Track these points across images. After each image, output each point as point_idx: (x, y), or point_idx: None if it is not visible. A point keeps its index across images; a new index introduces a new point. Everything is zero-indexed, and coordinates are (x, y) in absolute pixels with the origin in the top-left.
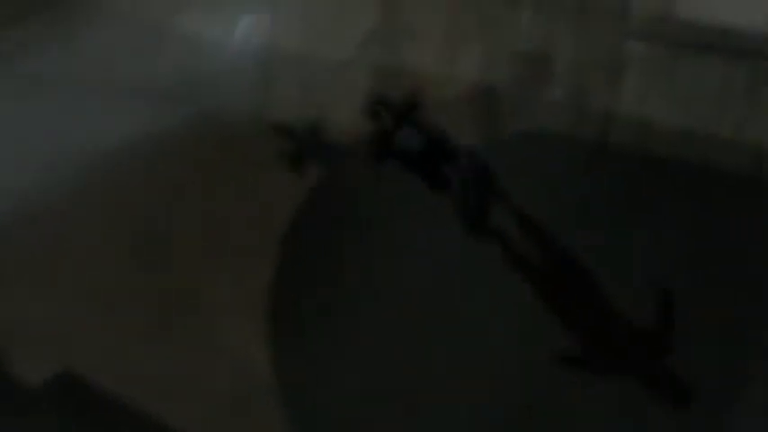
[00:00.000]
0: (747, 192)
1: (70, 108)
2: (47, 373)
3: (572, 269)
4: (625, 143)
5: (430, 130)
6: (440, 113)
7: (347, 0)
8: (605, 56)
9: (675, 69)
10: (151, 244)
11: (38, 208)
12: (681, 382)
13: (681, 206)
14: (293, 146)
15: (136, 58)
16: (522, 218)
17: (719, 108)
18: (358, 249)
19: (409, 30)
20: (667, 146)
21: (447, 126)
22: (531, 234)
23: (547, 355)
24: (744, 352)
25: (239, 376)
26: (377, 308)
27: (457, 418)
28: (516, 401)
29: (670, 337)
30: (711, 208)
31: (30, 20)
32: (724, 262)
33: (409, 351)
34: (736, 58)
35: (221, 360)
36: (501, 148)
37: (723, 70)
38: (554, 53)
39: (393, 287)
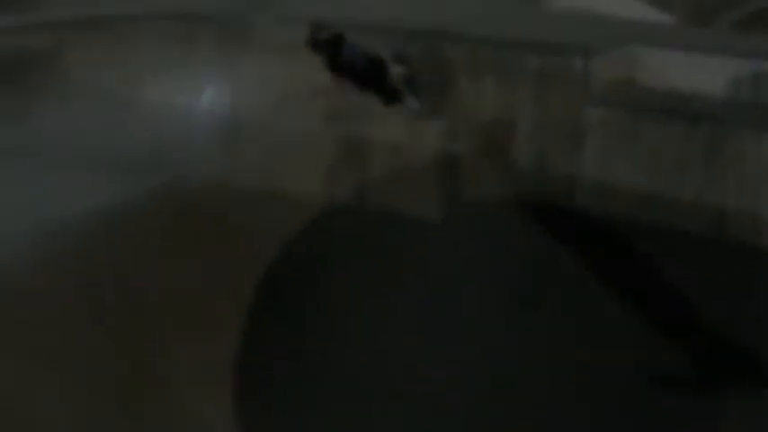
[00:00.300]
0: (709, 252)
1: (27, 181)
2: None
3: None
4: (588, 206)
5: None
6: (404, 182)
7: (308, 74)
8: (567, 121)
9: (636, 133)
10: (113, 315)
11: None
12: None
13: (643, 267)
14: None
15: (99, 129)
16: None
17: (680, 171)
18: (327, 319)
19: (373, 100)
20: (630, 208)
21: (411, 194)
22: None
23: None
24: None
25: None
26: (347, 381)
27: None
28: None
29: None
30: (674, 268)
31: None
32: None
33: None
34: (695, 122)
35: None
36: (466, 215)
37: (683, 134)
38: (516, 120)
39: (365, 358)
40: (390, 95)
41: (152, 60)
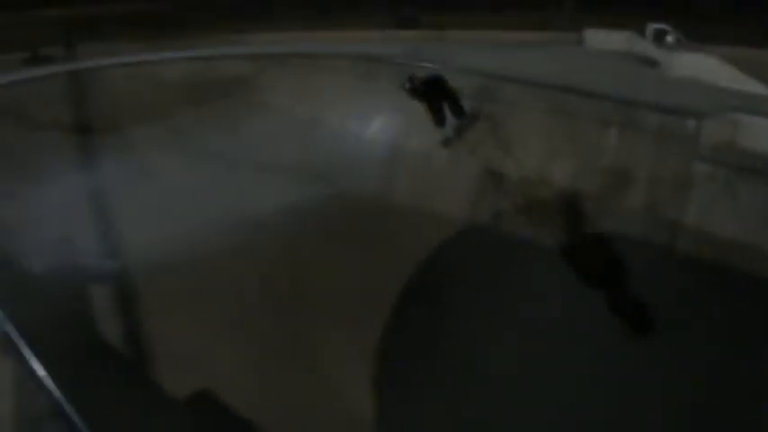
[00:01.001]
0: None
1: (230, 180)
2: (187, 391)
3: None
4: (690, 250)
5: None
6: (533, 212)
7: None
8: (676, 173)
9: (736, 189)
10: (284, 296)
11: (195, 257)
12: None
13: (732, 309)
14: None
15: (289, 144)
16: None
17: None
18: (458, 322)
19: (510, 140)
20: (726, 255)
21: (538, 223)
22: None
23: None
24: None
25: (344, 416)
26: (473, 376)
27: None
28: None
29: None
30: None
31: (207, 105)
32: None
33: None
34: None
35: (331, 399)
36: (582, 247)
37: None
38: (633, 167)
39: (489, 359)
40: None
41: (334, 91)
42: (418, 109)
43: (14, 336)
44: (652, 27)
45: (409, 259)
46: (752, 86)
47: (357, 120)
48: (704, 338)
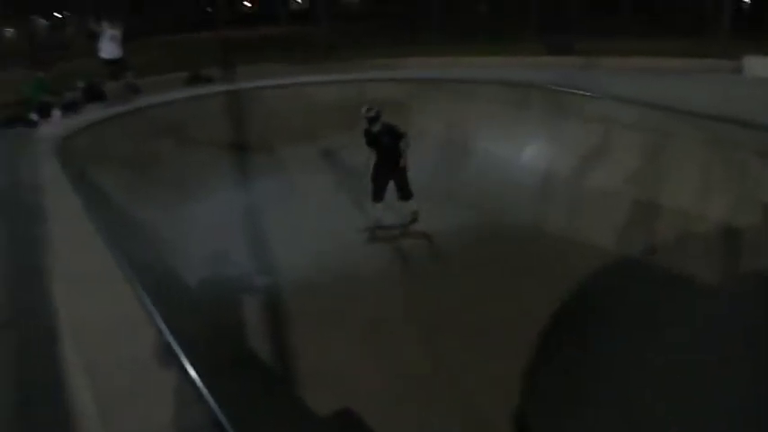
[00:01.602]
0: None
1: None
2: (329, 410)
3: None
4: None
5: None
6: (689, 246)
7: (612, 142)
8: None
9: None
10: (427, 319)
11: (341, 276)
12: None
13: None
14: None
15: (440, 169)
16: None
17: None
18: (605, 349)
19: (666, 171)
20: None
21: (692, 259)
22: None
23: None
24: None
25: None
26: (616, 406)
27: None
28: None
29: None
30: None
31: (356, 129)
32: None
33: None
34: None
35: (472, 428)
36: (738, 284)
37: None
38: None
39: (631, 389)
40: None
41: (486, 117)
42: (571, 137)
43: (175, 346)
44: None
45: (558, 290)
46: None
47: (509, 146)
48: None
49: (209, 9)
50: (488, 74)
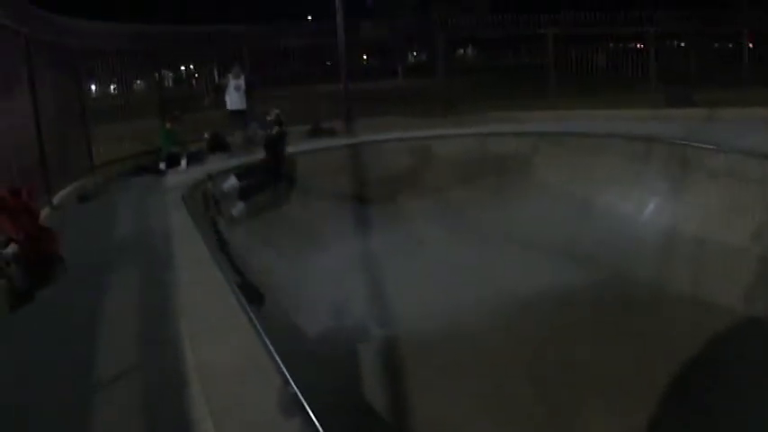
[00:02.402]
0: None
1: (499, 256)
2: None
3: None
4: None
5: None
6: None
7: (741, 196)
8: None
9: None
10: (548, 376)
11: (460, 331)
12: None
13: None
14: None
15: (561, 224)
16: None
17: None
18: (736, 423)
19: None
20: None
21: None
22: None
23: None
24: None
25: None
26: None
27: None
28: None
29: None
30: None
31: (480, 180)
32: None
33: None
34: None
35: None
36: None
37: None
38: None
39: None
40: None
41: (607, 171)
42: (695, 192)
43: (300, 396)
44: None
45: (680, 350)
46: None
47: (631, 201)
48: None
49: (329, 63)
50: (609, 127)
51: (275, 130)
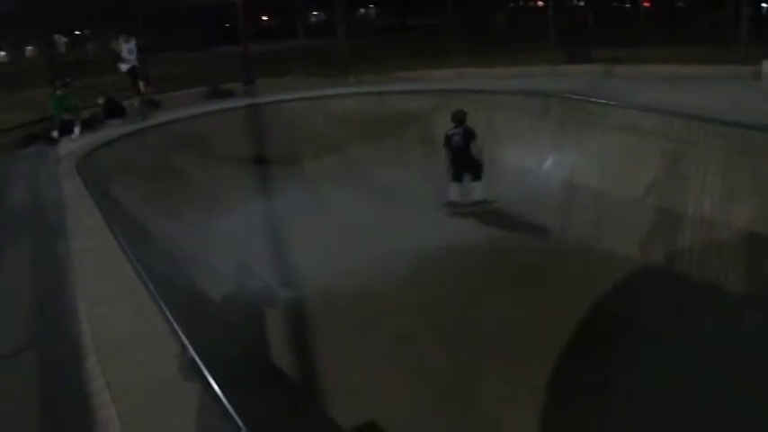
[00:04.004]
0: None
1: (403, 212)
2: (353, 422)
3: None
4: None
5: None
6: (712, 254)
7: (634, 151)
8: None
9: None
10: (450, 329)
11: (364, 288)
12: None
13: None
14: None
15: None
16: None
17: None
18: (624, 357)
19: (688, 179)
20: None
21: (713, 266)
22: None
23: None
24: None
25: None
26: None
27: None
28: None
29: None
30: None
31: (381, 139)
32: None
33: None
34: None
35: None
36: (764, 290)
37: None
38: None
39: (650, 397)
40: None
41: (509, 127)
42: (593, 146)
43: (200, 362)
44: None
45: (581, 300)
46: None
47: (531, 156)
48: None
49: (227, 24)
50: (509, 84)
51: None
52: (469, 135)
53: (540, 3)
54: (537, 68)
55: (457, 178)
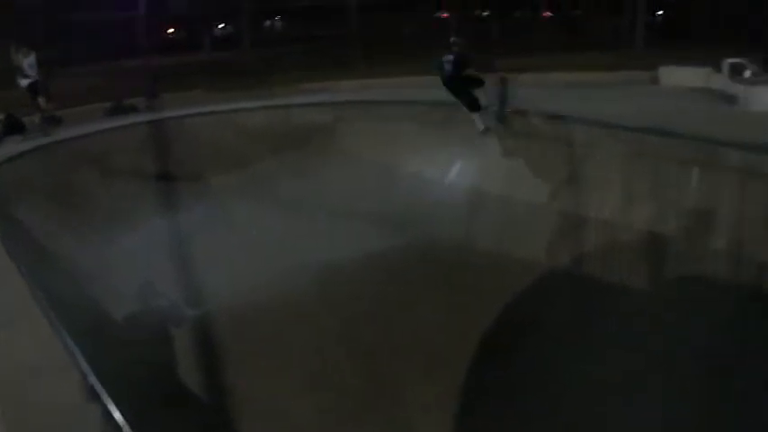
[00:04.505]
0: None
1: (310, 228)
2: None
3: None
4: None
5: None
6: (616, 255)
7: (540, 155)
8: (763, 212)
9: None
10: (364, 342)
11: (274, 305)
12: None
13: None
14: None
15: (368, 191)
16: None
17: None
18: (538, 365)
19: (590, 184)
20: None
21: (617, 267)
22: None
23: None
24: None
25: None
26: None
27: None
28: None
29: None
30: None
31: (287, 152)
32: None
33: None
34: None
35: None
36: (666, 289)
37: None
38: (717, 208)
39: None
40: None
41: (413, 137)
42: (497, 154)
43: (96, 383)
44: (728, 62)
45: (491, 307)
46: None
47: (436, 165)
48: None
49: (132, 37)
50: (413, 94)
51: None
52: (459, 62)
53: (445, 14)
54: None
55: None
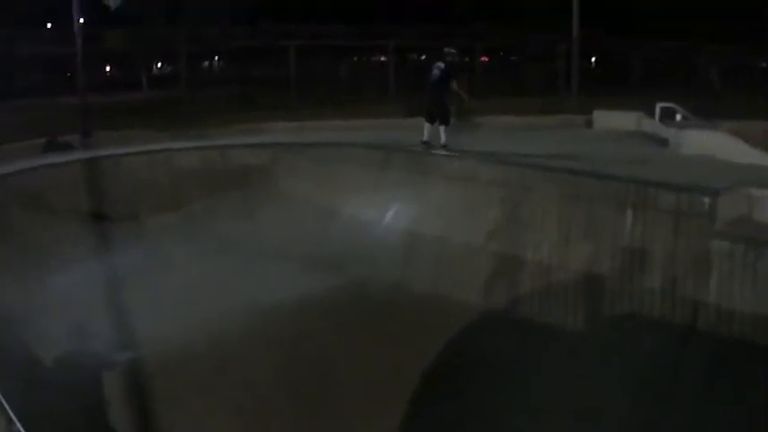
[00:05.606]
0: None
1: (245, 269)
2: None
3: None
4: (711, 327)
5: None
6: (552, 297)
7: (476, 199)
8: (695, 251)
9: (755, 264)
10: (301, 384)
11: (209, 347)
12: None
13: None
14: None
15: (305, 233)
16: None
17: None
18: (477, 407)
19: (527, 225)
20: (748, 330)
21: (553, 307)
22: None
23: None
24: None
25: None
26: None
27: None
28: None
29: None
30: None
31: (223, 193)
32: None
33: None
34: None
35: None
36: (602, 326)
37: None
38: (651, 248)
39: None
40: None
41: (350, 179)
42: (434, 197)
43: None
44: (659, 106)
45: (427, 347)
46: (761, 159)
47: (373, 207)
48: (726, 416)
49: (69, 74)
50: (350, 137)
51: None
52: (449, 71)
53: (383, 58)
54: (380, 121)
55: (430, 119)
